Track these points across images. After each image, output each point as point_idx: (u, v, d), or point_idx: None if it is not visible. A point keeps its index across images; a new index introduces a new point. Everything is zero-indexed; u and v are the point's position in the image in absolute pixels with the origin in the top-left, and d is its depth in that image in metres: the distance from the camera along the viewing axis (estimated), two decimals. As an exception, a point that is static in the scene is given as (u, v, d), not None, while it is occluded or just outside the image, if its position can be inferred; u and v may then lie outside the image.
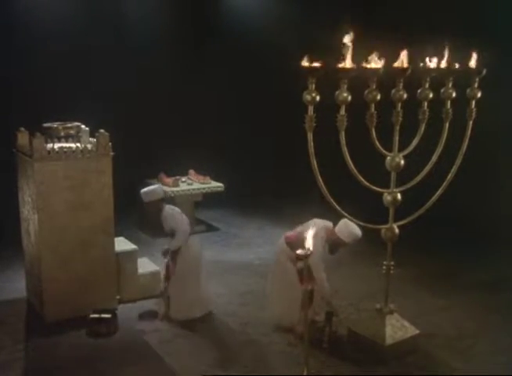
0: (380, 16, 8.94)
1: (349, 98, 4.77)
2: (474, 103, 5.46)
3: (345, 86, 4.75)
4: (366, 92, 4.97)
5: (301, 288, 5.08)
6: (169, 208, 6.26)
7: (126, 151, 6.87)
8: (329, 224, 5.71)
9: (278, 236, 8.91)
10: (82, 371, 5.20)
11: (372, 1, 9.40)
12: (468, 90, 5.42)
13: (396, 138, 5.27)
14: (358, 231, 5.62)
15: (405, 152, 5.35)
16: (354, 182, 5.28)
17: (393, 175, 5.38)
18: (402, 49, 4.95)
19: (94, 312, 5.78)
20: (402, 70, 4.97)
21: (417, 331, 5.59)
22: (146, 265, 6.89)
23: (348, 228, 5.62)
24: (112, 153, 6.17)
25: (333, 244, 5.72)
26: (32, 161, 5.83)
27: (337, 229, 5.68)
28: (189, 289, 6.13)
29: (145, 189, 6.27)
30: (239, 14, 10.67)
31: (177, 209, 6.34)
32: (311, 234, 4.23)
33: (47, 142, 5.99)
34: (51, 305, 5.99)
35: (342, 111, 4.84)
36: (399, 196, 5.41)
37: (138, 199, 6.64)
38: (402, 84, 5.07)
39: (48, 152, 5.87)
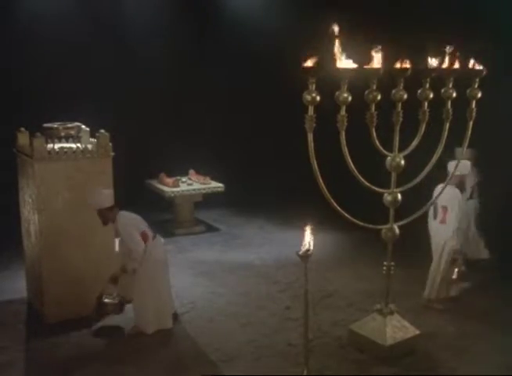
0: (379, 17, 8.93)
1: (349, 98, 4.77)
2: (474, 103, 5.46)
3: (345, 86, 4.75)
4: (367, 92, 4.97)
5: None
6: (123, 218, 5.71)
7: (126, 151, 6.87)
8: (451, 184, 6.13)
9: (278, 236, 9.02)
10: (82, 371, 5.21)
11: (371, 1, 9.40)
12: (468, 90, 5.42)
13: (396, 138, 5.27)
14: (461, 163, 5.98)
15: (406, 152, 5.35)
16: (354, 182, 5.29)
17: (393, 175, 5.38)
18: (402, 50, 4.96)
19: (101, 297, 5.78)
20: (403, 70, 4.97)
21: (417, 332, 5.59)
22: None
23: (460, 165, 6.00)
24: (112, 154, 6.17)
25: (460, 185, 6.38)
26: (32, 161, 5.83)
27: (453, 171, 6.03)
28: (148, 300, 5.80)
29: (95, 194, 5.66)
30: (240, 14, 10.66)
31: (131, 218, 5.77)
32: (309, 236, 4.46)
33: (47, 143, 6.00)
34: (51, 305, 5.99)
35: (342, 111, 4.84)
36: (399, 196, 5.41)
37: (138, 199, 6.63)
38: (402, 85, 5.07)
39: (49, 152, 5.88)
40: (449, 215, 6.29)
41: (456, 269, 6.40)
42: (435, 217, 6.42)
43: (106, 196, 5.70)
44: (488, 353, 5.50)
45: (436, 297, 6.43)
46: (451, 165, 6.30)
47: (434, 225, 6.45)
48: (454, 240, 6.34)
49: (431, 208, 6.37)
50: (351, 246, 8.58)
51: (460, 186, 6.38)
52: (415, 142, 5.40)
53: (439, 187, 6.21)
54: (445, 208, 6.30)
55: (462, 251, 6.43)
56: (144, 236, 5.79)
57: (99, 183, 6.07)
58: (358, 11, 8.82)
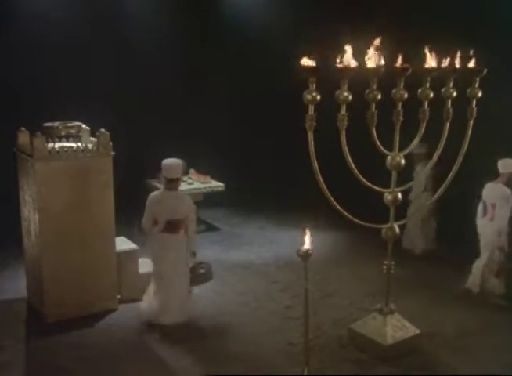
0: (379, 16, 8.92)
1: (350, 97, 4.77)
2: (474, 102, 5.46)
3: (346, 86, 4.75)
4: (367, 91, 4.97)
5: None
6: (151, 196, 5.93)
7: (126, 151, 6.87)
8: (500, 182, 6.48)
9: (279, 235, 9.02)
10: (82, 371, 5.20)
11: (371, 0, 9.39)
12: (469, 90, 5.41)
13: (397, 137, 5.27)
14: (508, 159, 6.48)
15: (406, 151, 5.35)
16: (354, 181, 5.28)
17: (394, 175, 5.38)
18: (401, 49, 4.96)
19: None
20: (403, 69, 4.97)
21: (418, 331, 5.59)
22: (146, 265, 6.86)
23: (508, 162, 6.45)
24: (112, 153, 6.17)
25: (508, 182, 6.50)
26: (33, 161, 5.83)
27: (502, 170, 6.45)
28: (159, 291, 5.89)
29: (167, 161, 6.01)
30: (241, 14, 10.66)
31: (155, 206, 5.84)
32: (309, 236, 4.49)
33: (48, 142, 6.00)
34: (52, 304, 5.98)
35: (343, 111, 4.84)
36: (400, 195, 5.41)
37: (138, 198, 6.62)
38: (402, 84, 5.07)
39: (49, 151, 5.87)
40: (497, 213, 6.45)
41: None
42: (484, 214, 6.59)
43: (164, 166, 5.95)
44: (489, 353, 5.50)
45: (490, 291, 6.62)
46: (501, 163, 6.50)
47: (482, 223, 6.62)
48: (499, 237, 6.48)
49: (480, 206, 6.62)
50: (352, 245, 8.58)
51: (509, 183, 6.48)
52: (415, 142, 5.40)
53: (489, 185, 6.48)
54: (494, 205, 6.48)
55: (505, 249, 6.53)
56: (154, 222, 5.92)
57: (100, 182, 6.08)
58: (358, 11, 8.83)
